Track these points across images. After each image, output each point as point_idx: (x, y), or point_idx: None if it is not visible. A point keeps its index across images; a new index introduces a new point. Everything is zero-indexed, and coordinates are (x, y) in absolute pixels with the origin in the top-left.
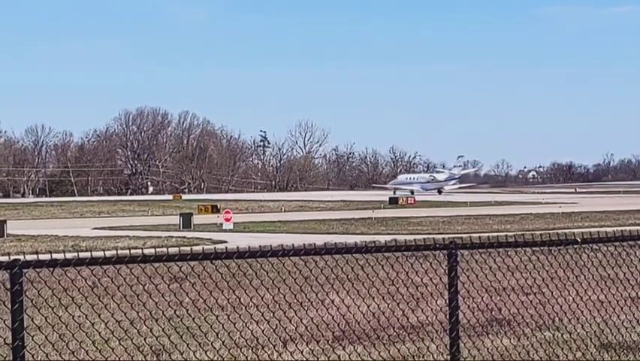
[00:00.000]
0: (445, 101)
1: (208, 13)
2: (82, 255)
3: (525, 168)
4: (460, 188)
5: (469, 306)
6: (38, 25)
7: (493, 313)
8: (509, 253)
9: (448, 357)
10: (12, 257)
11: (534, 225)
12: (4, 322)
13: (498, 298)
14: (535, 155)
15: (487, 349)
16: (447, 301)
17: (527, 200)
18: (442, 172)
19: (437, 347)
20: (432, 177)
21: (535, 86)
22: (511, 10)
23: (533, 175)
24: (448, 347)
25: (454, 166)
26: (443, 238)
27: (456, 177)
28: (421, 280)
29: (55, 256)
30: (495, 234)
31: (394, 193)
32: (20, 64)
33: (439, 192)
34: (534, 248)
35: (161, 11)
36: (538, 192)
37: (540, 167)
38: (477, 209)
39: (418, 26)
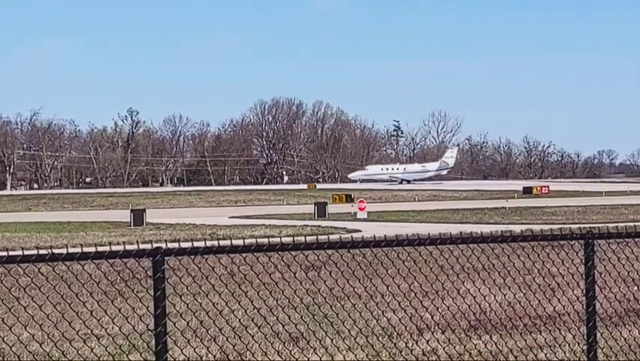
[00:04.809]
0: (580, 90)
1: (342, 3)
2: (221, 243)
3: None
4: (422, 179)
5: (605, 296)
6: (175, 20)
7: (630, 303)
8: None
9: (585, 347)
10: (153, 245)
11: None
12: (147, 308)
13: (635, 288)
14: None
15: (625, 339)
16: (583, 291)
17: None
18: (434, 162)
19: (574, 336)
20: (423, 167)
21: None
22: None
23: None
24: (584, 337)
25: (446, 157)
26: (580, 228)
27: (449, 166)
28: (558, 270)
29: (195, 244)
30: (631, 223)
31: (359, 183)
32: (159, 56)
33: (408, 182)
34: None
35: (295, 2)
36: None
37: None
38: (612, 199)
39: (550, 16)
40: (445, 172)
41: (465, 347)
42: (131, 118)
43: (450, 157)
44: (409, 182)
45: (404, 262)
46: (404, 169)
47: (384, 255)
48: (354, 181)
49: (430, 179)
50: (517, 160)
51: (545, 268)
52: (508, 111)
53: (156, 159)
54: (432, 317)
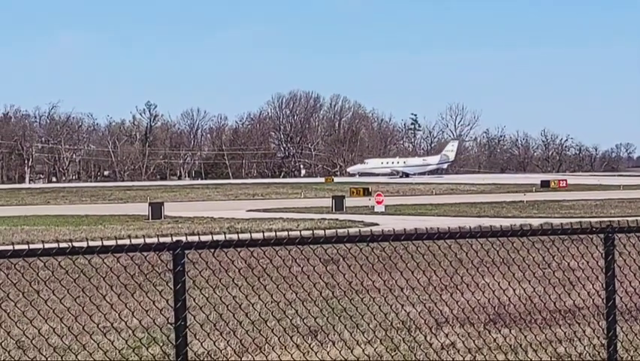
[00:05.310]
0: (598, 84)
1: None
2: (241, 236)
3: None
4: (423, 173)
5: (625, 290)
6: (193, 14)
7: None
8: None
9: (604, 341)
10: (173, 238)
11: None
12: (167, 302)
13: None
14: None
15: None
16: (602, 285)
17: None
18: (435, 155)
19: (593, 330)
20: (424, 160)
21: None
22: None
23: None
24: (604, 331)
25: (446, 150)
26: (600, 223)
27: (450, 160)
28: (578, 263)
29: (215, 237)
30: None
31: (357, 177)
32: (177, 50)
33: (407, 175)
34: None
35: None
36: None
37: None
38: (630, 192)
39: (568, 8)
40: (445, 166)
41: (484, 340)
42: (149, 111)
43: (450, 151)
44: (407, 175)
45: (423, 255)
46: (404, 162)
47: (402, 248)
48: (353, 175)
49: (431, 172)
50: (535, 154)
51: (564, 262)
52: (526, 105)
53: (174, 153)
54: (451, 310)
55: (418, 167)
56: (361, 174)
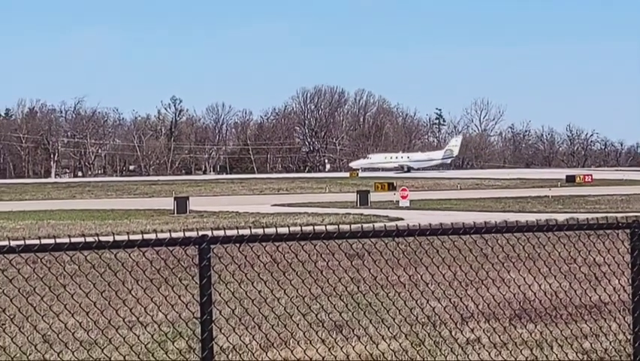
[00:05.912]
0: (623, 79)
1: None
2: (266, 231)
3: None
4: (427, 168)
5: None
6: (219, 8)
7: None
8: None
9: (630, 336)
10: (199, 233)
11: None
12: (193, 296)
13: None
14: None
15: None
16: (628, 281)
17: None
18: (439, 151)
19: (619, 326)
20: (428, 156)
21: None
22: None
23: None
24: (630, 326)
25: (451, 145)
26: (626, 217)
27: (453, 155)
28: (604, 258)
29: (241, 231)
30: None
31: (361, 172)
32: (202, 44)
33: (409, 170)
34: None
35: None
36: None
37: None
38: None
39: (592, 3)
40: (449, 161)
41: (509, 335)
42: (174, 106)
43: (454, 146)
44: (410, 170)
45: (448, 250)
46: (408, 157)
47: (428, 243)
48: (356, 170)
49: (435, 167)
50: (560, 149)
51: (590, 257)
52: (551, 99)
53: (199, 147)
54: (476, 305)
55: (422, 162)
56: (365, 169)
